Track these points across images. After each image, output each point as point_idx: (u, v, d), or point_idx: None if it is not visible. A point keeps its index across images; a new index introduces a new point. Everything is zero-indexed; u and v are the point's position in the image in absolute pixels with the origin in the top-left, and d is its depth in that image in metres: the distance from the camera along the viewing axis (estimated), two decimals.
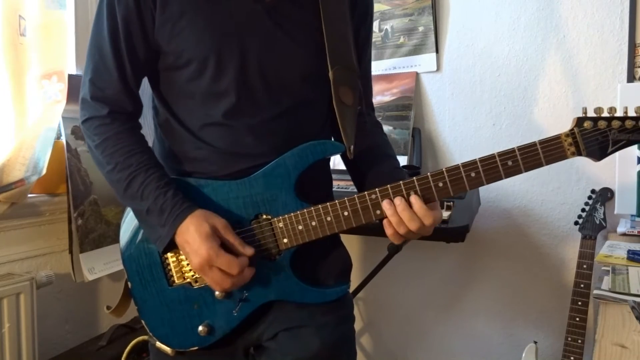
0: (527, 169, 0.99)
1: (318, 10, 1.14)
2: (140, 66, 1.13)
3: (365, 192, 1.06)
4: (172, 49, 1.09)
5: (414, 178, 1.04)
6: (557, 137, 0.99)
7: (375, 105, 2.28)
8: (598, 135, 0.97)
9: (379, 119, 2.27)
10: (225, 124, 1.11)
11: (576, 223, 1.86)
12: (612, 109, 0.96)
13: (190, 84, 1.11)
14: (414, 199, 1.04)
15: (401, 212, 1.04)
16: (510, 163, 1.00)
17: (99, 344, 1.90)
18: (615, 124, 0.96)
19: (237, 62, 1.09)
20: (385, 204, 1.05)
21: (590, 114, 0.97)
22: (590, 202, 1.88)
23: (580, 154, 0.98)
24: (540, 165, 0.99)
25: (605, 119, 0.96)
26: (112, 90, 1.11)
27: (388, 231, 1.07)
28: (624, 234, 1.81)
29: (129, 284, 1.17)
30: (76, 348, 1.92)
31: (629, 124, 0.95)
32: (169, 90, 1.15)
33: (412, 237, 1.07)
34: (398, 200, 1.04)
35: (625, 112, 0.96)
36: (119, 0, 1.07)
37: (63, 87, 1.81)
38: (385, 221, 1.07)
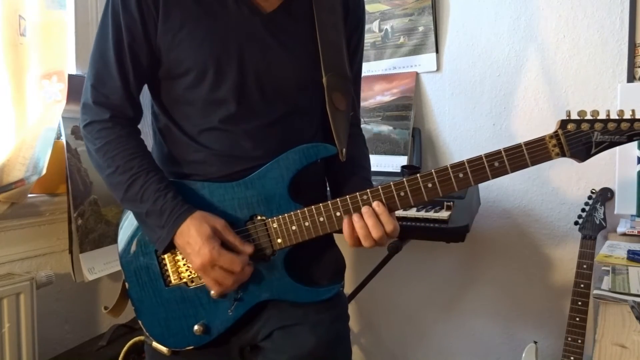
0: (514, 170, 1.02)
1: (313, 21, 1.17)
2: (142, 74, 1.14)
3: (357, 193, 1.08)
4: (172, 58, 1.11)
5: (404, 179, 1.05)
6: (541, 139, 1.02)
7: (375, 105, 2.31)
8: (581, 137, 1.00)
9: (379, 119, 2.30)
10: (223, 129, 1.13)
11: (576, 223, 1.85)
12: (594, 112, 0.99)
13: (189, 91, 1.13)
14: (376, 204, 1.07)
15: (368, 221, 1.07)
16: (496, 164, 1.02)
17: (99, 344, 1.92)
18: (598, 126, 0.99)
19: (235, 71, 1.11)
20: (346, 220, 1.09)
21: (574, 116, 1.00)
22: (590, 202, 1.87)
23: (564, 155, 1.01)
24: (526, 165, 1.01)
25: (588, 121, 1.00)
26: (114, 96, 1.13)
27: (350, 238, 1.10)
28: (624, 234, 1.81)
29: (127, 284, 1.19)
30: (76, 348, 1.93)
31: (611, 126, 0.98)
32: (168, 97, 1.17)
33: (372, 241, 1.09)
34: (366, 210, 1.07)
35: (608, 115, 0.99)
36: (124, 9, 1.08)
37: (63, 87, 1.81)
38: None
